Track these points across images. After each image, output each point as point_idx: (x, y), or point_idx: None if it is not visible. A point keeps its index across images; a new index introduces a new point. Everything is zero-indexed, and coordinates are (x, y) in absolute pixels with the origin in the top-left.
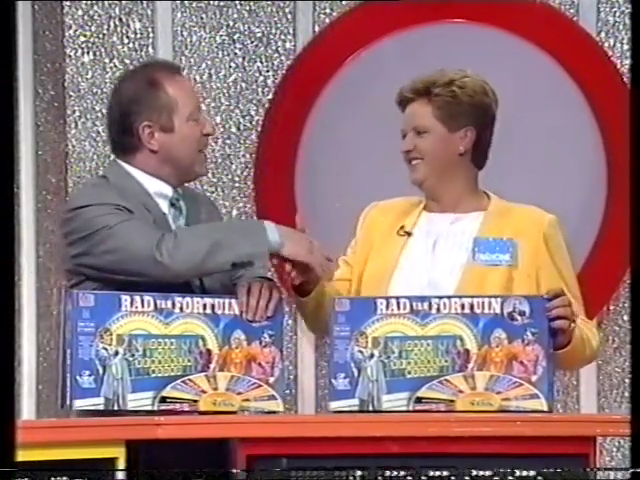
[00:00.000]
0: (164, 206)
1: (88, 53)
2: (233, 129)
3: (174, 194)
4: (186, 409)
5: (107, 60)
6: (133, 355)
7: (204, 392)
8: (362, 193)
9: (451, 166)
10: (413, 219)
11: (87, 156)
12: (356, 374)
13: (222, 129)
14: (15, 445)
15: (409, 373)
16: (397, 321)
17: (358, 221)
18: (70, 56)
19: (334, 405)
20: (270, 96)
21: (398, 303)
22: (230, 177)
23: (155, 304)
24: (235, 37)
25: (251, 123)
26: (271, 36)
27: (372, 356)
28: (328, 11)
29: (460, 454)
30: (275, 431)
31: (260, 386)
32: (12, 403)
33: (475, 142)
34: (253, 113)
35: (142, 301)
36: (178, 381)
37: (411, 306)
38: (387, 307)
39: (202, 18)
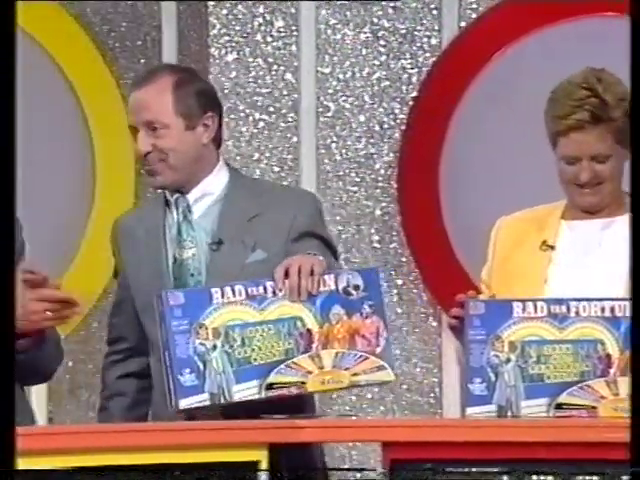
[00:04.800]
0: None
1: (232, 52)
2: (376, 127)
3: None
4: (294, 392)
5: (251, 59)
6: (232, 346)
7: (310, 373)
8: (508, 192)
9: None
10: (553, 230)
11: (230, 156)
12: (493, 379)
13: (365, 128)
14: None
15: (548, 378)
16: (534, 324)
17: (489, 241)
18: (214, 55)
19: (470, 411)
20: (414, 93)
21: (535, 306)
22: (373, 177)
23: (247, 292)
24: (379, 34)
25: (395, 121)
26: (416, 32)
27: (509, 361)
28: (474, 6)
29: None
30: (419, 435)
31: (367, 358)
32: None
33: None
34: (397, 111)
35: (233, 291)
36: (282, 365)
37: (549, 309)
38: (524, 310)
39: (346, 15)
